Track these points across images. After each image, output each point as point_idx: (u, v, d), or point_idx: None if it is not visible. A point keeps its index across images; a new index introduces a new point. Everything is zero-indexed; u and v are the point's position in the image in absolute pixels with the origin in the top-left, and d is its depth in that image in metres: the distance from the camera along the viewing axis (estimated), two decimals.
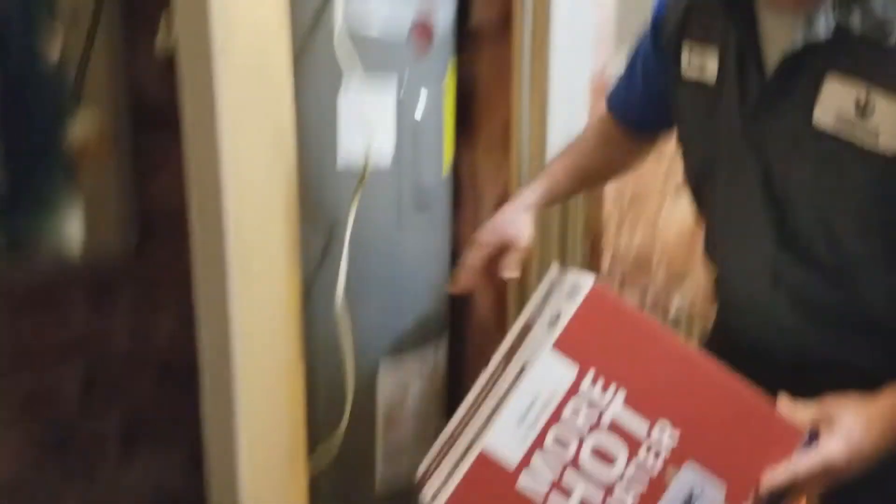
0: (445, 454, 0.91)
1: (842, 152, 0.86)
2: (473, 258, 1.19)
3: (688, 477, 0.83)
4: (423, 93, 1.52)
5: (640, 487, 0.82)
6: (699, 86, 1.03)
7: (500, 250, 1.18)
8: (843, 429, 0.86)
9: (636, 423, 0.83)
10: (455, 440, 0.91)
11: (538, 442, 0.81)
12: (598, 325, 0.84)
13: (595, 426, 0.82)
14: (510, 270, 1.18)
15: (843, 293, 0.94)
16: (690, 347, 0.89)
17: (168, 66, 1.02)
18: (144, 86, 1.76)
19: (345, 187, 1.45)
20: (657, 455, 0.83)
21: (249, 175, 0.96)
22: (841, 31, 0.84)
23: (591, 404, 0.82)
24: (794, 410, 0.88)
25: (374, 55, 1.44)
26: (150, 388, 1.97)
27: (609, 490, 0.82)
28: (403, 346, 1.60)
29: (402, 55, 1.47)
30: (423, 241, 1.61)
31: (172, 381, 1.96)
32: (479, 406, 0.91)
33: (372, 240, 1.53)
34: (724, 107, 0.99)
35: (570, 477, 0.81)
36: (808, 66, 0.88)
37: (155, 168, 1.81)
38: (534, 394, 0.81)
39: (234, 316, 0.91)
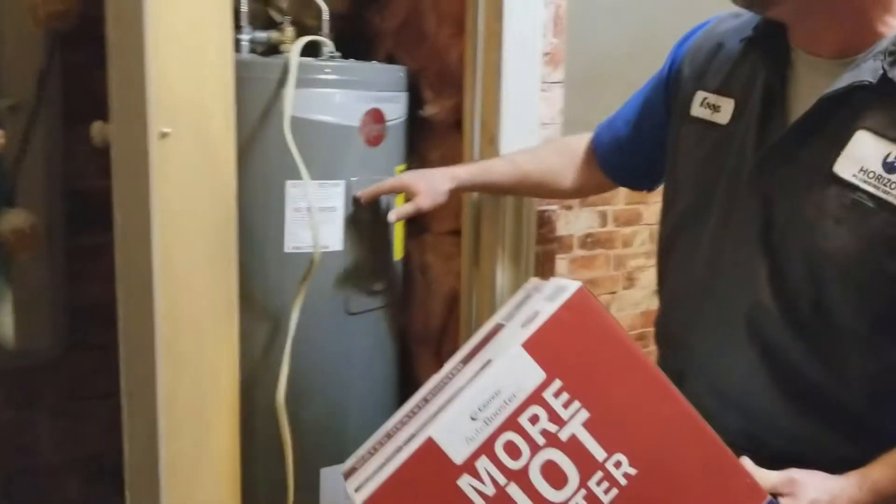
0: (378, 450, 0.83)
1: (858, 204, 0.84)
2: (384, 183, 1.41)
3: None
4: (375, 181, 1.49)
5: None
6: (707, 125, 1.01)
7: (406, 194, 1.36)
8: (808, 499, 0.81)
9: (593, 449, 0.77)
10: (392, 436, 0.83)
11: (489, 442, 0.74)
12: (576, 334, 0.78)
13: (551, 441, 0.76)
14: (393, 213, 1.36)
15: (819, 363, 0.89)
16: (667, 381, 0.82)
17: (106, 160, 0.98)
18: (81, 182, 1.73)
19: (292, 275, 1.40)
20: (608, 490, 0.77)
21: (184, 264, 0.91)
22: (885, 82, 0.83)
23: (552, 417, 0.76)
24: (758, 472, 0.83)
25: (326, 142, 1.42)
26: (77, 491, 1.85)
27: None
28: (349, 450, 1.51)
29: (354, 143, 1.45)
30: (373, 333, 1.56)
31: (100, 483, 1.84)
32: (426, 403, 0.83)
33: (318, 330, 1.47)
34: (734, 148, 0.96)
35: (514, 490, 0.75)
36: (841, 114, 0.86)
37: (90, 264, 1.75)
38: (494, 390, 0.75)
39: (163, 416, 0.84)
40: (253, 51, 1.59)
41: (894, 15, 0.85)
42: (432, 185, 1.33)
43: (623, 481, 0.77)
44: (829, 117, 0.87)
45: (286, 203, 1.41)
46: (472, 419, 0.74)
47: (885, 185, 0.82)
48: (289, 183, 1.40)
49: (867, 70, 0.84)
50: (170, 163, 0.77)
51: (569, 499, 0.76)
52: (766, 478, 0.83)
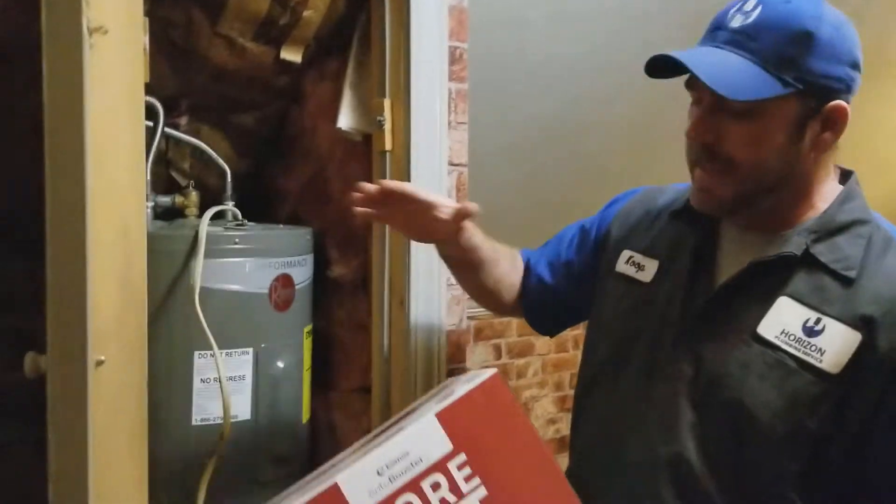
0: (286, 497, 0.85)
1: (781, 363, 0.90)
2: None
3: None
4: (283, 346, 1.48)
5: None
6: (631, 282, 1.07)
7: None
8: None
9: None
10: (302, 488, 0.84)
11: (390, 499, 0.77)
12: (487, 414, 0.82)
13: None
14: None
15: None
16: (565, 479, 0.86)
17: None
18: None
19: (199, 448, 1.35)
20: None
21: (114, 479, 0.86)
22: (807, 256, 0.92)
23: (452, 488, 0.79)
24: None
25: (235, 311, 1.41)
26: None
27: None
28: None
29: (263, 310, 1.44)
30: None
31: None
32: (333, 466, 0.85)
33: (226, 502, 1.40)
34: (658, 305, 1.01)
35: None
36: (767, 279, 0.94)
37: None
38: (402, 451, 0.78)
39: None
40: (155, 215, 1.57)
41: (814, 206, 0.97)
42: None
43: None
44: (755, 282, 0.95)
45: (194, 374, 1.37)
46: (378, 474, 0.76)
47: (805, 347, 0.90)
48: (196, 354, 1.36)
49: (793, 244, 0.93)
50: (103, 388, 0.75)
51: None
52: None
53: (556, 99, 1.75)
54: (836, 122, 0.91)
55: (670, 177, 1.21)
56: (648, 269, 1.07)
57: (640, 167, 1.94)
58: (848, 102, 0.91)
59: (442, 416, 0.80)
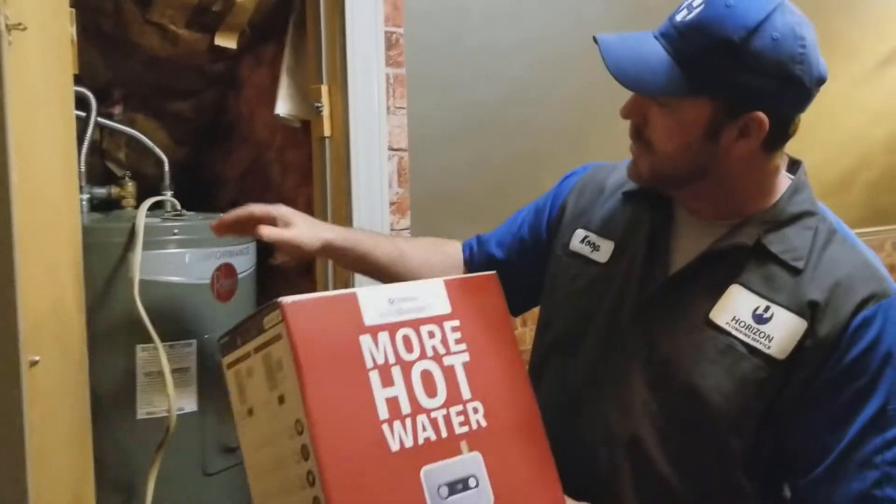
0: None
1: (731, 348, 0.93)
2: (248, 208, 1.11)
3: (473, 462, 0.86)
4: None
5: (436, 435, 0.85)
6: (586, 261, 1.08)
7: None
8: None
9: (463, 386, 0.88)
10: None
11: (394, 326, 0.85)
12: (482, 298, 0.93)
13: (436, 358, 0.87)
14: (264, 229, 1.09)
15: (696, 498, 0.96)
16: (526, 377, 0.96)
17: None
18: None
19: (146, 441, 1.34)
20: (462, 424, 0.87)
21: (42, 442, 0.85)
22: (759, 246, 0.95)
23: (443, 341, 0.88)
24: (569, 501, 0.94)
25: (177, 303, 1.39)
26: None
27: (416, 412, 0.84)
28: None
29: (206, 301, 1.43)
30: (233, 493, 1.50)
31: None
32: None
33: (175, 495, 1.40)
34: (614, 287, 1.03)
35: (396, 373, 0.84)
36: (719, 267, 0.96)
37: None
38: (414, 295, 0.88)
39: None
40: (92, 207, 1.55)
41: (768, 195, 0.99)
42: (311, 225, 1.12)
43: (475, 425, 0.88)
44: (708, 269, 0.98)
45: (137, 368, 1.36)
46: (390, 302, 0.86)
47: (754, 334, 0.94)
48: (139, 348, 1.35)
49: (745, 234, 0.96)
50: (39, 389, 0.74)
51: (433, 409, 0.86)
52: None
53: (495, 82, 1.76)
54: (751, 131, 0.92)
55: (610, 158, 1.22)
56: (604, 250, 1.08)
57: (580, 149, 1.96)
58: (777, 114, 0.91)
59: (447, 284, 0.91)
